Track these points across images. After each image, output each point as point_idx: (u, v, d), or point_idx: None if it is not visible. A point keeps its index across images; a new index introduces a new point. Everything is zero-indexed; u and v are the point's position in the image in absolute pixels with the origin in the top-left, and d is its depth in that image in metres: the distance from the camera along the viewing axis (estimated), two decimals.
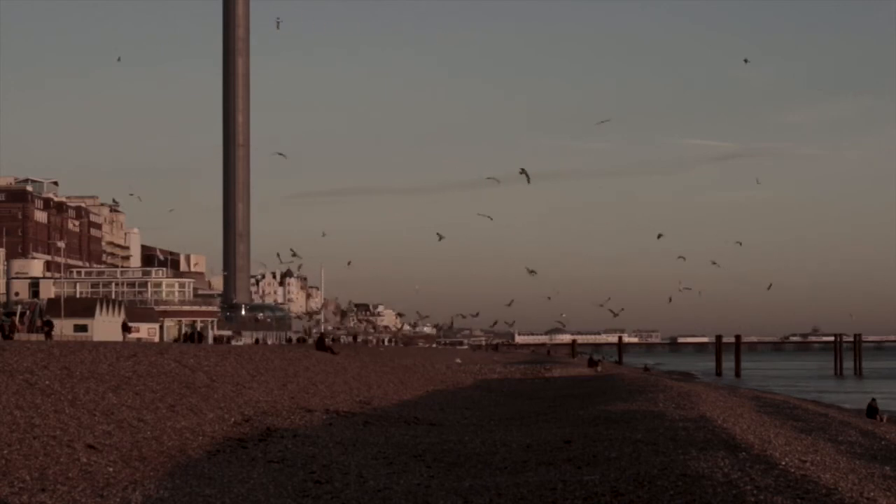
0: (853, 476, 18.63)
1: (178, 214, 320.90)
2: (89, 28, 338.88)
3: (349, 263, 60.47)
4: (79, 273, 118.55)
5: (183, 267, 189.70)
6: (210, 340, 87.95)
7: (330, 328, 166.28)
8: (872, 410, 45.53)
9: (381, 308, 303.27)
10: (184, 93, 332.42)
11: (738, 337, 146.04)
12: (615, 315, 61.85)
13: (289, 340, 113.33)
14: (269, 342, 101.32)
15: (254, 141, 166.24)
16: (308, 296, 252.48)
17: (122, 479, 17.63)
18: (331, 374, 42.95)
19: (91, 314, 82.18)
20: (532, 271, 43.64)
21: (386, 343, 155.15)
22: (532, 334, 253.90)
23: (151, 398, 26.14)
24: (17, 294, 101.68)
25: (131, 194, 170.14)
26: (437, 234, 37.46)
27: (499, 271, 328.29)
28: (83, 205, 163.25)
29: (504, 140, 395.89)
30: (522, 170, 39.60)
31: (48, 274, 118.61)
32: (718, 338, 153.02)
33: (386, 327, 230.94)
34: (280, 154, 60.02)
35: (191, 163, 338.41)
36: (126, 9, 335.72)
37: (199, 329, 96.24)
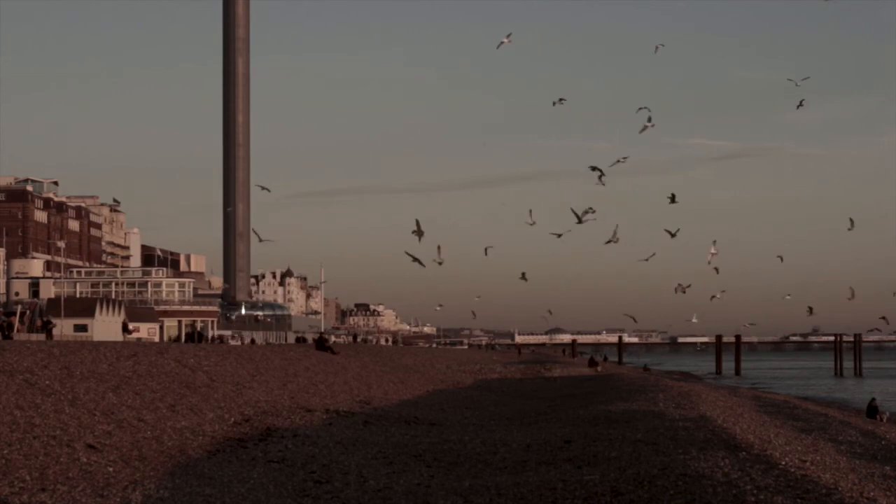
0: (853, 476, 18.62)
1: (178, 214, 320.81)
2: (89, 28, 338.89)
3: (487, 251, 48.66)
4: (79, 273, 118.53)
5: (183, 267, 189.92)
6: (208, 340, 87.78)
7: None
8: (872, 410, 45.42)
9: (381, 308, 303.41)
10: (184, 93, 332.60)
11: (738, 337, 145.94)
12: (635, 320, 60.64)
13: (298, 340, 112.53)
14: (268, 341, 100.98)
15: (254, 141, 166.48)
16: (308, 296, 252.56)
17: (122, 479, 17.63)
18: (331, 374, 42.92)
19: (91, 314, 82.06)
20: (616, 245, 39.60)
21: (385, 342, 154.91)
22: (532, 334, 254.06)
23: (151, 398, 26.12)
24: (17, 294, 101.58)
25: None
26: (416, 233, 34.61)
27: (499, 271, 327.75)
28: (83, 205, 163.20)
29: (504, 140, 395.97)
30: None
31: (48, 274, 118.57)
32: (718, 338, 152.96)
33: (397, 331, 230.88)
34: (265, 188, 58.22)
35: (191, 163, 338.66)
36: (126, 9, 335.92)
37: (199, 329, 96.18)
